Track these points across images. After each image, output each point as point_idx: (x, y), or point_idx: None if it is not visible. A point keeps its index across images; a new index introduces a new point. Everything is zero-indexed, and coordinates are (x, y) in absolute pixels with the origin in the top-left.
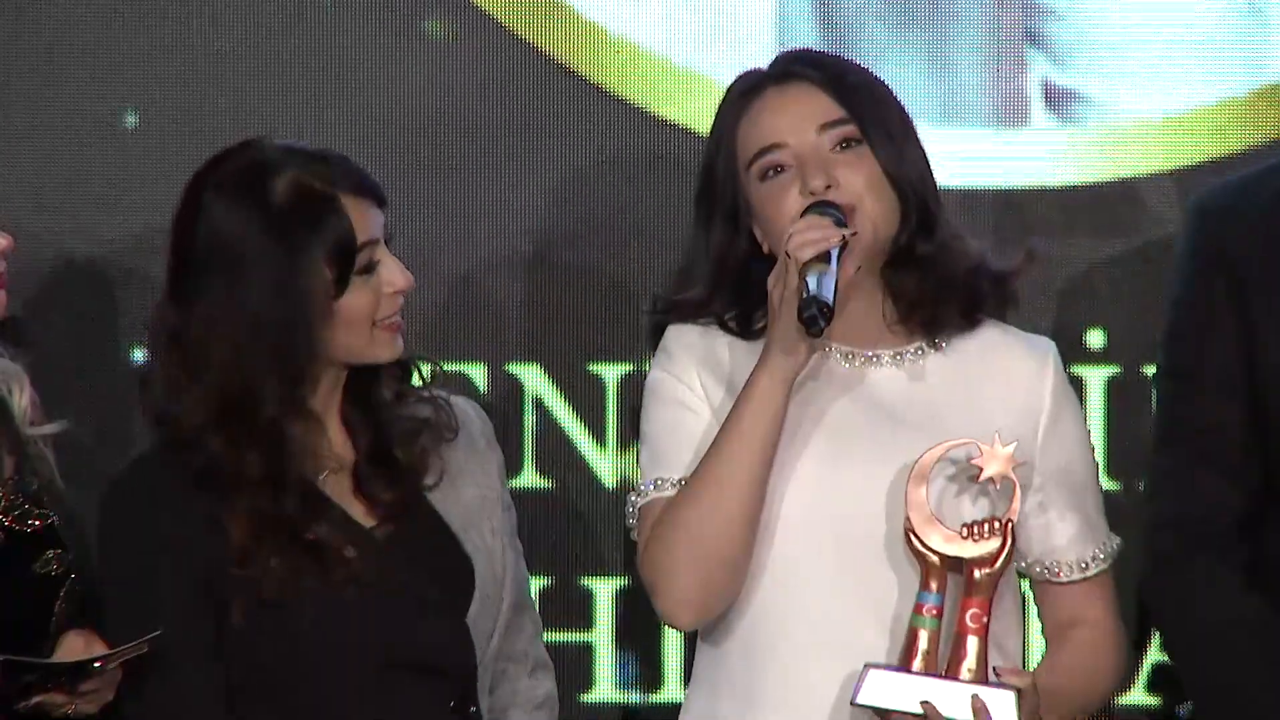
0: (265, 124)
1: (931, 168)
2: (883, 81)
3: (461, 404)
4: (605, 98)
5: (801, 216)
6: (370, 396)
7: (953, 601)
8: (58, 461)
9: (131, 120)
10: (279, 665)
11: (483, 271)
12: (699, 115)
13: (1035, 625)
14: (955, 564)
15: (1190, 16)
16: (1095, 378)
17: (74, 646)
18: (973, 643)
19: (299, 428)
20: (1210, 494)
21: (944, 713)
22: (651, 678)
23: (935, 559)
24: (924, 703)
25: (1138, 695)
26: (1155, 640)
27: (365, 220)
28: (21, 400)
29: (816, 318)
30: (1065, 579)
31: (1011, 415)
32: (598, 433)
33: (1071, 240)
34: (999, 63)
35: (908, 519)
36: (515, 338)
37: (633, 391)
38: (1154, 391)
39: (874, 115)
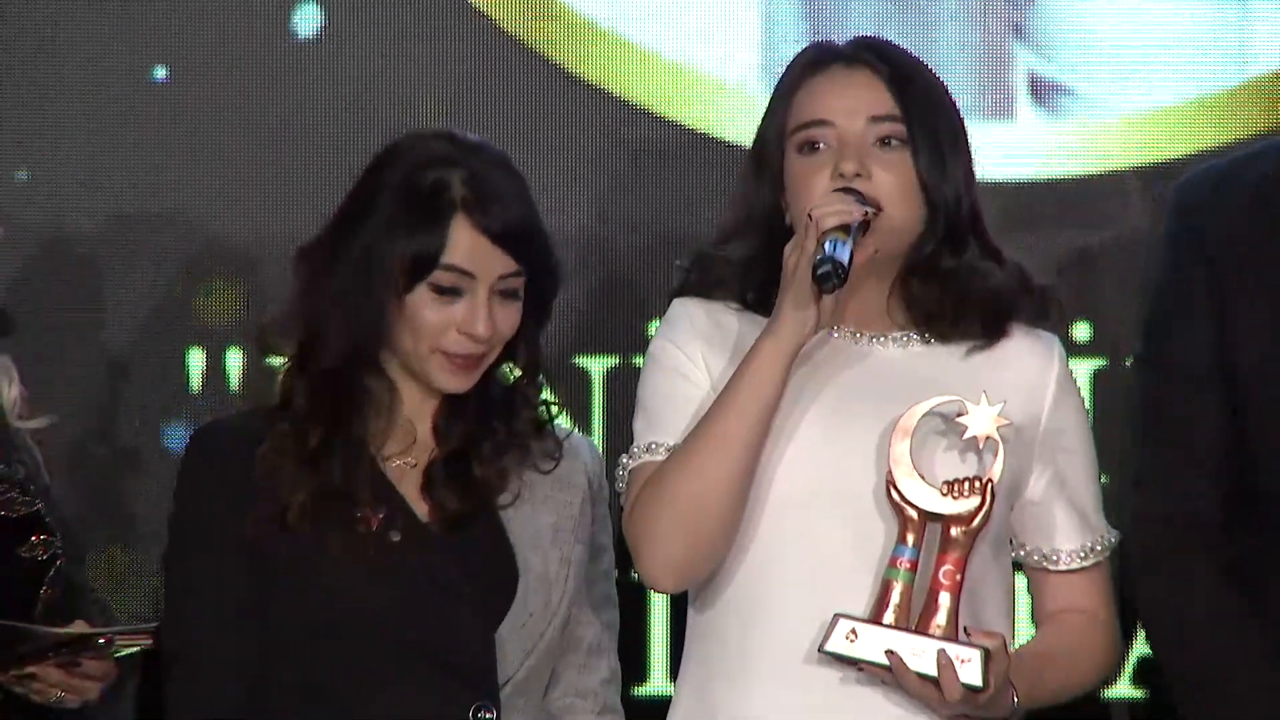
0: (256, 120)
1: (974, 189)
2: (949, 95)
3: (578, 443)
4: (593, 92)
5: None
6: (472, 413)
7: (931, 558)
8: (44, 455)
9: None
10: (302, 640)
11: None
12: (687, 110)
13: (1023, 622)
14: (935, 520)
15: (1175, 10)
16: (1081, 370)
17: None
18: (945, 599)
19: (371, 388)
20: (1190, 490)
21: (910, 666)
22: (637, 670)
23: (913, 513)
24: (889, 653)
25: (1124, 688)
26: (1141, 633)
27: (476, 255)
28: (10, 392)
29: (830, 275)
30: (1062, 568)
31: (1017, 400)
32: (584, 426)
33: (1057, 233)
34: (984, 56)
35: (889, 472)
36: None
37: (619, 385)
38: (1134, 377)
39: (926, 122)
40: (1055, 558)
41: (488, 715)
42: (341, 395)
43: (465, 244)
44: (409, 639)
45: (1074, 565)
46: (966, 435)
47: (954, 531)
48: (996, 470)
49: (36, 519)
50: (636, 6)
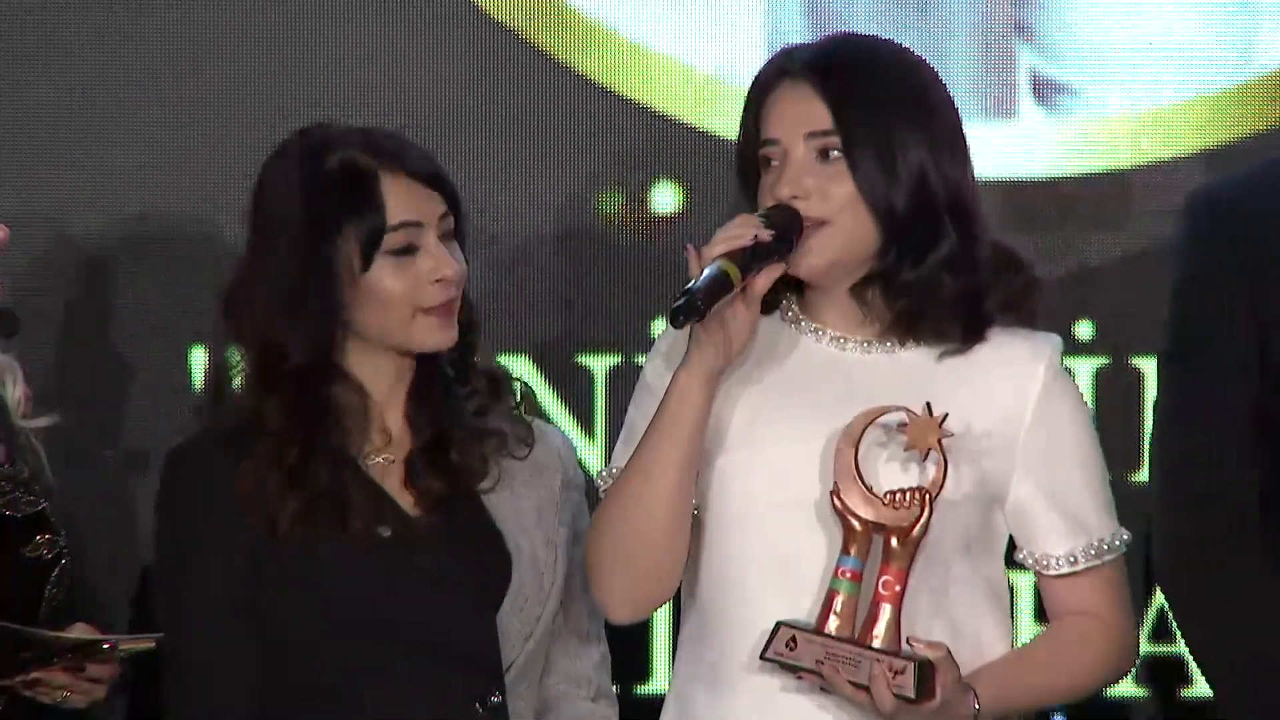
0: (255, 116)
1: (964, 186)
2: (925, 91)
3: (547, 431)
4: (595, 90)
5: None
6: (444, 395)
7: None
8: (48, 454)
9: (126, 108)
10: (304, 641)
11: (472, 264)
12: (689, 107)
13: (1023, 621)
14: (878, 530)
15: (1178, 9)
16: (1084, 369)
17: (79, 632)
18: (885, 610)
19: (340, 394)
20: (1226, 474)
21: (844, 675)
22: (639, 669)
23: (856, 523)
24: (820, 663)
25: (1128, 687)
26: (1143, 632)
27: (411, 204)
28: (15, 392)
29: (679, 310)
30: (1054, 572)
31: (998, 405)
32: (586, 424)
33: (1059, 232)
34: (987, 55)
35: (835, 481)
36: (503, 328)
37: (621, 383)
38: (1159, 378)
39: (867, 131)
40: (1046, 562)
41: (495, 700)
42: (313, 405)
43: (401, 196)
44: (411, 633)
45: (1064, 570)
46: (906, 447)
47: (894, 543)
48: (937, 482)
49: (41, 518)
50: (639, 4)
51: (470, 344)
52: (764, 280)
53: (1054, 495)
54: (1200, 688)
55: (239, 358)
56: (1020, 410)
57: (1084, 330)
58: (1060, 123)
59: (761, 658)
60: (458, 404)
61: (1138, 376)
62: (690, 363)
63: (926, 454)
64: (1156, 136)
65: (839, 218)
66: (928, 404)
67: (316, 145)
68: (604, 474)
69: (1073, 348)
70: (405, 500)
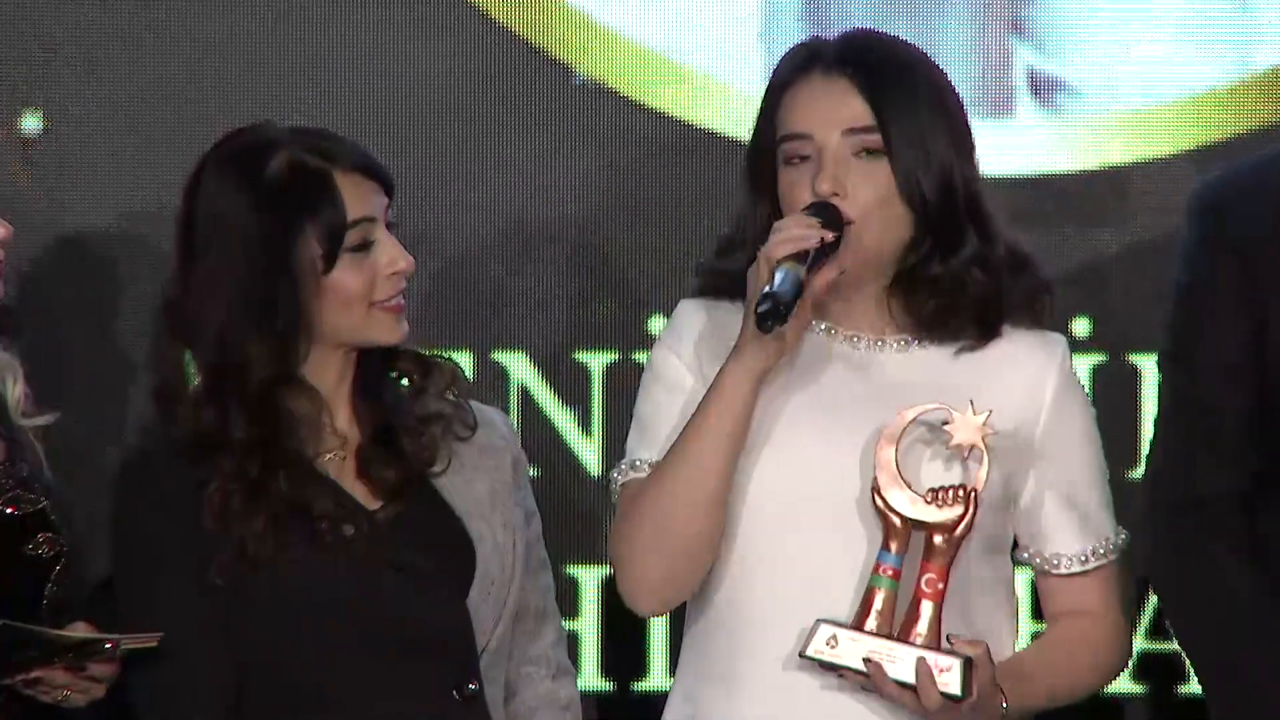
0: (254, 113)
1: (975, 182)
2: (946, 89)
3: (487, 411)
4: (593, 88)
5: (802, 211)
6: (382, 387)
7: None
8: (48, 452)
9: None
10: (280, 644)
11: (468, 259)
12: (685, 104)
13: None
14: (919, 528)
15: (1175, 5)
16: (1081, 366)
17: (80, 631)
18: (927, 607)
19: (297, 403)
20: (1213, 476)
21: (889, 673)
22: (637, 665)
23: (897, 520)
24: (867, 661)
25: (1124, 684)
26: (1141, 628)
27: (361, 199)
28: (15, 390)
29: (767, 315)
30: (1063, 571)
31: (1014, 404)
32: (583, 421)
33: (1057, 229)
34: (984, 52)
35: (875, 478)
36: (501, 326)
37: (619, 380)
38: (1158, 375)
39: (906, 128)
40: (1056, 562)
41: (472, 688)
42: (274, 416)
43: (354, 192)
44: (385, 627)
45: (1074, 569)
46: (951, 444)
47: (937, 540)
48: (981, 479)
49: (42, 517)
50: (636, 2)
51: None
52: (822, 282)
53: (1067, 494)
54: (1197, 685)
55: (191, 369)
56: (1035, 409)
57: (1081, 327)
58: (1058, 120)
59: (801, 655)
60: (397, 392)
61: (1135, 373)
62: (743, 358)
63: (969, 451)
64: (1154, 133)
65: (875, 214)
66: (971, 401)
67: (254, 147)
68: (623, 466)
69: (1071, 345)
70: (361, 493)
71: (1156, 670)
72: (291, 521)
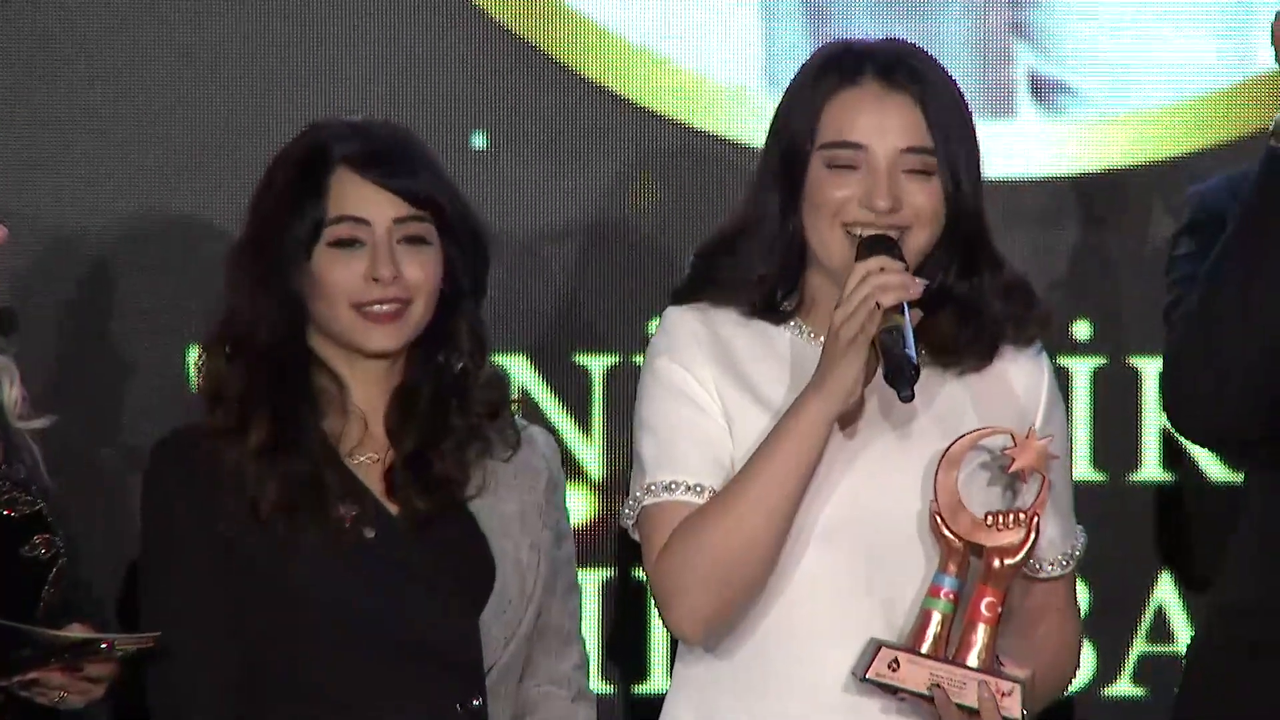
0: (254, 113)
1: (981, 210)
2: (965, 102)
3: (532, 430)
4: (593, 90)
5: (864, 249)
6: (425, 408)
7: (968, 589)
8: (45, 453)
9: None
10: (286, 641)
11: None
12: (687, 109)
13: None
14: (976, 551)
15: (1175, 8)
16: (1081, 368)
17: (76, 631)
18: (983, 631)
19: (314, 380)
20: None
21: (953, 698)
22: (638, 669)
23: (958, 543)
24: (933, 686)
25: (1125, 685)
26: (1141, 631)
27: (360, 199)
28: (12, 392)
29: (910, 380)
30: (1045, 575)
31: (1009, 419)
32: (584, 424)
33: (1057, 231)
34: (985, 54)
35: (934, 502)
36: (501, 329)
37: (619, 383)
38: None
39: (955, 150)
40: (1039, 565)
41: (475, 704)
42: (281, 379)
43: (350, 192)
44: (393, 634)
45: (1055, 573)
46: (1013, 468)
47: (996, 564)
48: (1042, 503)
49: (39, 518)
50: (637, 5)
51: (476, 365)
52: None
53: (1053, 502)
54: None
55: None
56: (1031, 419)
57: (1082, 330)
58: (1058, 122)
59: (862, 679)
60: (445, 417)
61: (1135, 376)
62: (829, 396)
63: (1028, 475)
64: (1154, 135)
65: (918, 230)
66: (1032, 425)
67: (312, 128)
68: (650, 487)
69: (1070, 347)
70: (388, 502)
71: (1157, 671)
72: (305, 496)
